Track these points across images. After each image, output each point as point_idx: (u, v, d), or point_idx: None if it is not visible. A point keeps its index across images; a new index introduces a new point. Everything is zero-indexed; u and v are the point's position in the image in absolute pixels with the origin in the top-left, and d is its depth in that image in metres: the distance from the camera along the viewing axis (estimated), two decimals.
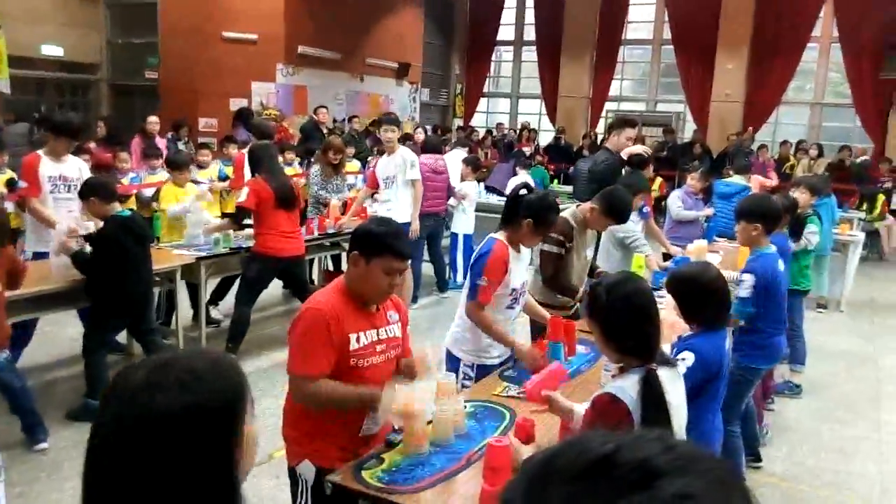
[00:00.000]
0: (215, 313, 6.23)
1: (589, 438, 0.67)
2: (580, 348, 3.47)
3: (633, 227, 4.84)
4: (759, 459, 4.15)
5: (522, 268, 3.32)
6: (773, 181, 8.96)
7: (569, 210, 4.13)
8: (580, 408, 2.29)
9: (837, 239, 7.42)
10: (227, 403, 1.07)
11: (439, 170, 7.22)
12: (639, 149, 5.85)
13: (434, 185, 7.10)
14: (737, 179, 7.54)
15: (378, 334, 2.46)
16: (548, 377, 2.45)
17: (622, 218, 4.03)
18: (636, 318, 2.03)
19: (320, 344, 2.31)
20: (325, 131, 9.74)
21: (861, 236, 8.10)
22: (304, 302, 2.44)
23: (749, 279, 3.57)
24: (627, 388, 1.96)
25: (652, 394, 1.94)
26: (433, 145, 7.67)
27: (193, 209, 5.72)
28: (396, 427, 2.37)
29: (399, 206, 6.36)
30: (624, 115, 6.80)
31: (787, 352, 5.07)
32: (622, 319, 2.03)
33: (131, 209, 5.30)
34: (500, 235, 3.24)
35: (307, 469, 2.40)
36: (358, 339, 2.38)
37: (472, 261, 3.28)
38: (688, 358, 2.63)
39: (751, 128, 14.26)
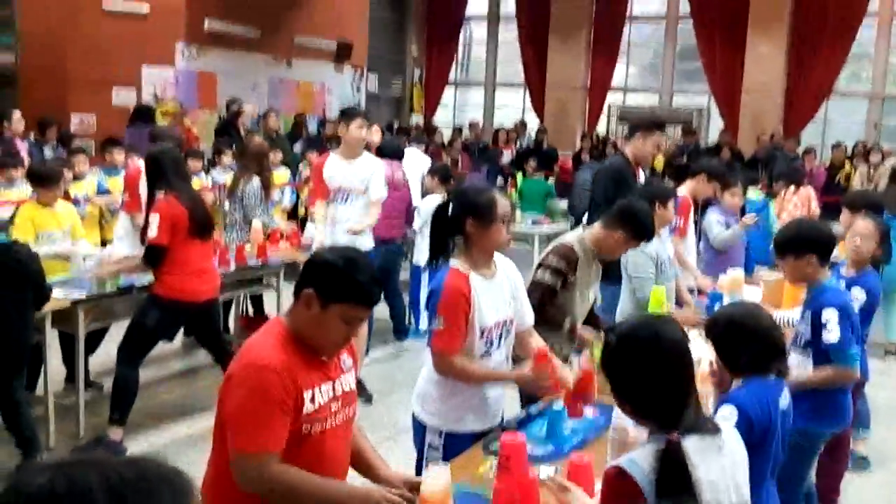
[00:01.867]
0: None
1: None
2: (587, 411, 3.51)
3: (651, 265, 4.88)
4: None
5: (500, 297, 3.33)
6: (808, 208, 9.06)
7: (573, 235, 4.19)
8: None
9: None
10: None
11: (397, 184, 7.27)
12: None
13: (390, 202, 7.13)
14: (752, 194, 7.73)
15: (334, 389, 2.50)
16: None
17: (650, 235, 4.14)
18: (653, 373, 2.09)
19: (276, 410, 2.32)
20: (243, 134, 9.74)
21: None
22: (238, 356, 2.45)
23: (833, 316, 3.57)
24: (640, 459, 2.03)
25: (671, 470, 2.00)
26: (392, 149, 7.70)
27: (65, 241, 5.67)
28: None
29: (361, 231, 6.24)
30: (650, 116, 6.80)
31: None
32: (635, 375, 2.11)
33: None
34: (456, 261, 3.29)
35: None
36: (313, 399, 2.41)
37: (426, 301, 3.32)
38: (730, 416, 2.70)
39: (779, 127, 14.65)
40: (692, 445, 2.05)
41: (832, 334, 3.56)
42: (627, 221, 4.02)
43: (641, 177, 6.05)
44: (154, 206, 5.06)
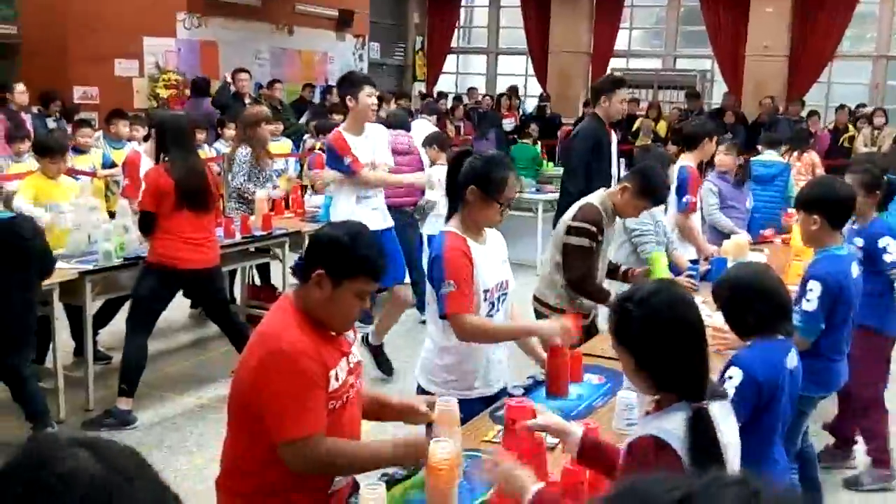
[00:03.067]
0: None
1: (651, 483, 0.68)
2: (591, 377, 3.52)
3: (649, 218, 4.92)
4: None
5: (494, 261, 3.35)
6: (813, 173, 8.98)
7: (596, 196, 4.28)
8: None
9: None
10: None
11: (402, 149, 7.18)
12: None
13: (399, 170, 7.05)
14: (771, 156, 7.63)
15: (348, 362, 2.53)
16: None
17: (659, 198, 4.29)
18: (679, 342, 2.05)
19: (315, 390, 2.36)
20: (246, 103, 9.68)
21: None
22: (261, 341, 2.43)
23: (816, 288, 3.61)
24: (673, 429, 1.99)
25: (703, 437, 1.98)
26: (400, 121, 7.60)
27: (77, 207, 5.66)
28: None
29: (383, 206, 5.95)
30: (612, 74, 6.91)
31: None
32: (660, 344, 2.04)
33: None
34: (451, 225, 3.29)
35: None
36: (337, 377, 2.44)
37: (427, 270, 3.30)
38: (735, 376, 2.73)
39: (783, 90, 14.54)
40: (716, 411, 2.05)
41: (810, 304, 3.62)
42: (640, 177, 4.16)
43: (614, 137, 6.14)
44: (145, 176, 5.18)
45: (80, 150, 7.60)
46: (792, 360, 2.83)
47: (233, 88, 10.81)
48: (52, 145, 5.90)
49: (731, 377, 2.73)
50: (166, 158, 5.08)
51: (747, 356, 2.80)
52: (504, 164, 3.31)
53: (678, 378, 2.06)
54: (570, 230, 4.13)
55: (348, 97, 5.53)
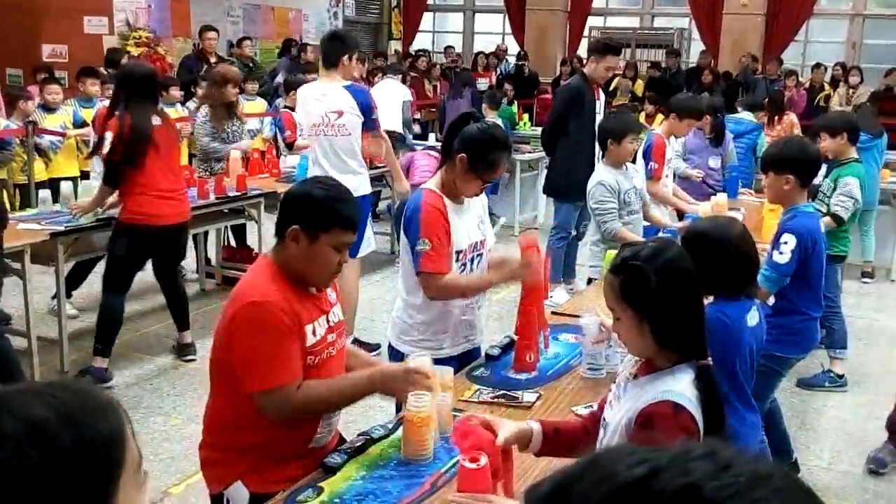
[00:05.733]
0: (69, 308, 6.08)
1: (614, 457, 0.67)
2: (568, 336, 3.53)
3: (611, 194, 4.79)
4: (795, 468, 4.29)
5: (470, 221, 3.33)
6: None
7: None
8: None
9: (887, 189, 7.63)
10: (91, 466, 0.98)
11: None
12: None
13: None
14: (746, 116, 7.69)
15: (328, 320, 2.56)
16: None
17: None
18: (689, 298, 2.05)
19: (286, 341, 2.38)
20: (213, 63, 9.52)
21: None
22: (234, 298, 2.45)
23: (791, 241, 3.63)
24: (685, 391, 1.98)
25: (712, 395, 1.99)
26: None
27: None
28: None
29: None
30: (608, 38, 7.11)
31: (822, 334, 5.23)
32: (675, 300, 2.01)
33: None
34: (431, 183, 3.27)
35: (240, 493, 2.44)
36: (314, 332, 2.47)
37: (402, 227, 3.27)
38: None
39: (760, 49, 14.53)
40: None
41: (783, 256, 3.64)
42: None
43: (602, 97, 6.44)
44: (108, 125, 4.94)
45: (49, 109, 7.48)
46: (753, 318, 2.83)
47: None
48: None
49: None
50: (122, 109, 4.91)
51: (709, 313, 2.78)
52: (501, 144, 3.21)
53: (685, 335, 2.03)
54: None
55: (346, 56, 5.42)
